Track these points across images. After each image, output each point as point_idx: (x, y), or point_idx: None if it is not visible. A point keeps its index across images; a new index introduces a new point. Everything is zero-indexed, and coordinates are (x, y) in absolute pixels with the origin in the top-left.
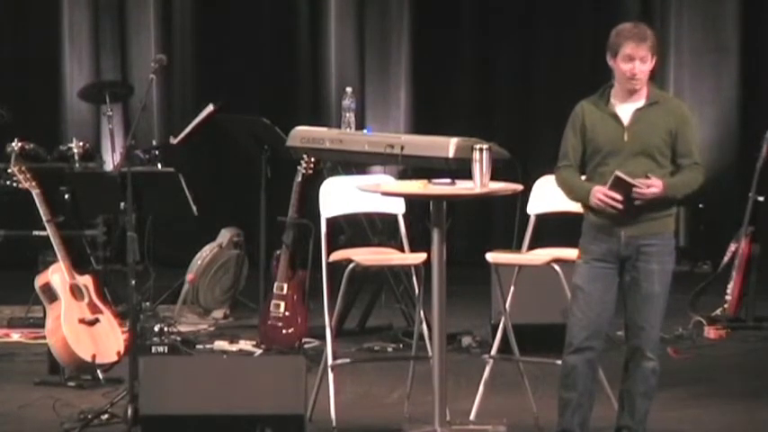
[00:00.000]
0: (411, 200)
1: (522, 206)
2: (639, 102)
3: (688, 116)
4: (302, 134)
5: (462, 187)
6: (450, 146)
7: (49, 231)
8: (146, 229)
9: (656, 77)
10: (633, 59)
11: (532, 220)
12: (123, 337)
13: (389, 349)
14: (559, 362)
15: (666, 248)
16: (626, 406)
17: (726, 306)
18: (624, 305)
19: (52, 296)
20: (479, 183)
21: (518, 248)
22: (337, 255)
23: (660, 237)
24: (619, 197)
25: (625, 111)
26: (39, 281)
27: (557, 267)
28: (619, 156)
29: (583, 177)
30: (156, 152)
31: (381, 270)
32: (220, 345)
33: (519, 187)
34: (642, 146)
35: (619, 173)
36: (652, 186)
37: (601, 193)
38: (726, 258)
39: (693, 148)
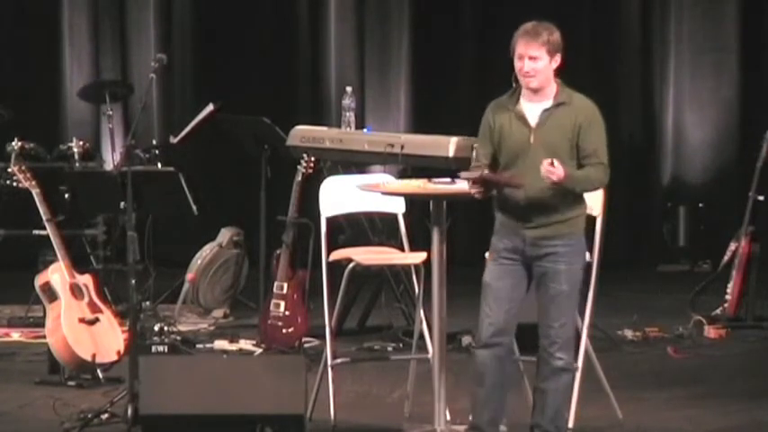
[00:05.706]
0: (411, 199)
1: None
2: (547, 102)
3: (595, 116)
4: (302, 133)
5: (462, 186)
6: (450, 145)
7: (49, 231)
8: (146, 229)
9: (657, 76)
10: (523, 57)
11: None
12: (123, 336)
13: (389, 349)
14: None
15: (575, 249)
16: (537, 404)
17: (726, 306)
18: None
19: (52, 296)
20: None
21: None
22: (337, 254)
23: (568, 238)
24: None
25: (532, 111)
26: (39, 280)
27: None
28: (526, 157)
29: None
30: (156, 152)
31: (381, 269)
32: (220, 344)
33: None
34: (548, 147)
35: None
36: (554, 172)
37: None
38: (726, 258)
39: (599, 148)
